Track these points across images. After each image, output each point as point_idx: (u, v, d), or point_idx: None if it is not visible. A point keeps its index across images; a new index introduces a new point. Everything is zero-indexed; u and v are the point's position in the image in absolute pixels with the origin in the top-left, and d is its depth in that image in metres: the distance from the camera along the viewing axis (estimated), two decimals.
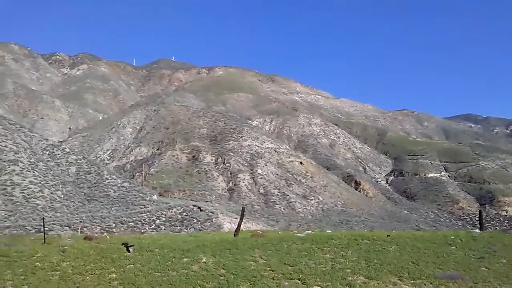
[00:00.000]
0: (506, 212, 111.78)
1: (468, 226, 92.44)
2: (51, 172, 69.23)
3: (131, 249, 19.97)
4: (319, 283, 16.67)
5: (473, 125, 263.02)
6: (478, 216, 43.03)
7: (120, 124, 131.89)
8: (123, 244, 20.76)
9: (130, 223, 57.52)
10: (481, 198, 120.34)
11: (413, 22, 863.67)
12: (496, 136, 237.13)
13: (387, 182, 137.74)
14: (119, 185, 73.16)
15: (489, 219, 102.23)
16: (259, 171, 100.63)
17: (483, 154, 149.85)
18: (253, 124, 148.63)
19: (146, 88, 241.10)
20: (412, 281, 17.43)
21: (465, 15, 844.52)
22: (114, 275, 17.01)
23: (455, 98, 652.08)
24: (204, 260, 18.91)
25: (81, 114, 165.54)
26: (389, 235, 25.57)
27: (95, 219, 57.30)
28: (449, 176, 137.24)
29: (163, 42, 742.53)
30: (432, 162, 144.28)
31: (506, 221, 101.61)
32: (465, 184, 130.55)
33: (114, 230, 53.53)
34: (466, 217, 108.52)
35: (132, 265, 18.04)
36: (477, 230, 31.08)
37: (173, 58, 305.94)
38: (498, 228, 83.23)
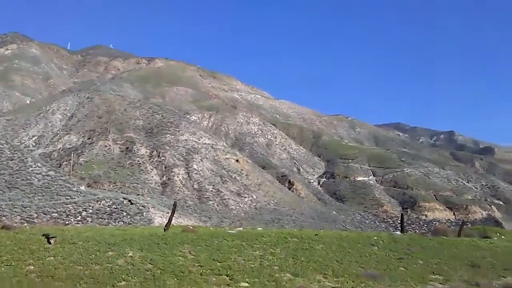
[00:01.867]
0: (426, 217, 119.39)
1: (390, 228, 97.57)
2: None
3: (52, 241, 18.95)
4: (246, 279, 16.78)
5: (401, 134, 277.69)
6: (400, 219, 45.46)
7: (49, 109, 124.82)
8: (43, 235, 19.66)
9: (53, 214, 54.65)
10: (404, 203, 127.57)
11: (356, 23, 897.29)
12: (421, 145, 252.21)
13: (319, 183, 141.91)
14: (44, 173, 69.29)
15: (410, 223, 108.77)
16: (195, 166, 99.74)
17: (409, 162, 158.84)
18: (191, 119, 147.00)
19: (80, 74, 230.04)
20: (336, 279, 18.05)
21: (400, 19, 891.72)
22: (32, 267, 16.08)
23: (386, 107, 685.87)
24: (130, 254, 18.37)
25: (6, 96, 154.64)
26: (317, 234, 26.32)
27: (15, 208, 53.89)
28: (376, 180, 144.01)
29: (100, 28, 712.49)
30: (361, 166, 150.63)
31: (425, 225, 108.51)
32: (390, 189, 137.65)
33: (35, 220, 50.63)
34: (389, 220, 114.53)
35: (52, 258, 17.14)
36: (398, 232, 32.84)
37: (111, 45, 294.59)
38: (417, 231, 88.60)
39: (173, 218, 28.32)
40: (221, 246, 21.13)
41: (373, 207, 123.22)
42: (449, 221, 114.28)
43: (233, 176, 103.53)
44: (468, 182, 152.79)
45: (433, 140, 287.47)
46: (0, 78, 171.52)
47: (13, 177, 65.75)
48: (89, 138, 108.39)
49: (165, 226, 26.00)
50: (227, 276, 16.91)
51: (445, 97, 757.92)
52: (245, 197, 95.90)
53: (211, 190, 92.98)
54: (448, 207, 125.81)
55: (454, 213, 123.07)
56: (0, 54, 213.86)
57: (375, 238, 26.94)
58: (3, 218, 47.18)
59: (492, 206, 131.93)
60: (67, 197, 61.99)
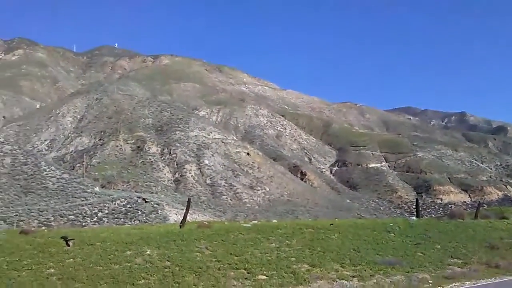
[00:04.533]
0: (441, 200, 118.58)
1: (406, 214, 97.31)
2: None
3: (70, 243, 19.19)
4: (264, 272, 16.86)
5: (411, 118, 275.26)
6: (415, 204, 45.24)
7: (59, 113, 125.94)
8: (62, 238, 19.89)
9: (70, 216, 55.30)
10: (418, 187, 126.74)
11: (358, 14, 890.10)
12: (433, 128, 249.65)
13: (331, 172, 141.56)
14: (58, 176, 70.03)
15: (425, 207, 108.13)
16: (206, 162, 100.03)
17: (421, 145, 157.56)
18: (200, 115, 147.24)
19: (87, 76, 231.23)
20: (353, 268, 18.05)
21: (404, 7, 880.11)
22: (53, 270, 16.30)
23: (395, 91, 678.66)
24: (148, 252, 18.54)
25: (16, 102, 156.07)
26: (332, 224, 26.32)
27: (32, 212, 54.60)
28: (388, 166, 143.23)
29: (105, 28, 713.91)
30: (373, 153, 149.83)
31: (440, 209, 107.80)
32: (404, 174, 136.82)
33: (53, 223, 51.28)
34: (404, 205, 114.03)
35: (71, 260, 17.36)
36: (414, 218, 32.70)
37: (116, 45, 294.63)
38: (433, 215, 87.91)
39: (188, 214, 28.49)
40: (237, 240, 21.22)
41: (387, 193, 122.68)
42: (465, 204, 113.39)
43: (245, 170, 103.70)
44: (482, 163, 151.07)
45: (444, 122, 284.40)
46: (9, 84, 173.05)
47: (28, 181, 66.56)
48: (100, 139, 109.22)
49: (181, 223, 26.19)
50: (245, 270, 17.00)
51: (456, 78, 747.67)
52: (258, 190, 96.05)
53: (224, 185, 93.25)
54: (463, 189, 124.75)
55: (469, 195, 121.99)
56: (8, 60, 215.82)
57: (391, 224, 26.87)
58: (21, 223, 47.85)
59: (507, 186, 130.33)
60: (82, 198, 62.68)
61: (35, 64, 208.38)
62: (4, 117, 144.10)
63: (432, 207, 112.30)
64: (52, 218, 53.87)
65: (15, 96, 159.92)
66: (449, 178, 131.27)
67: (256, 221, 30.33)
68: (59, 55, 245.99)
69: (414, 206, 77.49)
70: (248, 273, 16.73)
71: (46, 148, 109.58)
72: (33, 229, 30.33)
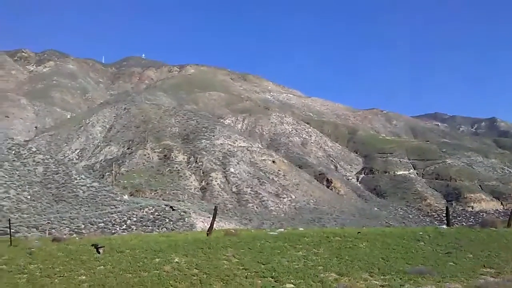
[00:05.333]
0: (472, 208, 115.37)
1: (435, 222, 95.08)
2: (17, 172, 67.18)
3: (101, 250, 19.60)
4: (292, 280, 16.79)
5: (439, 124, 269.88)
6: (445, 212, 44.23)
7: (89, 122, 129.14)
8: (92, 245, 20.35)
9: (100, 224, 56.42)
10: (448, 195, 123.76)
11: (380, 22, 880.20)
12: (462, 134, 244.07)
13: (357, 180, 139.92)
14: (88, 185, 71.63)
15: (456, 215, 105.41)
16: (232, 169, 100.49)
17: (450, 152, 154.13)
18: (226, 123, 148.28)
19: (116, 86, 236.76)
20: (382, 277, 17.77)
21: (430, 12, 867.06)
22: (84, 277, 16.66)
23: (422, 97, 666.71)
24: (176, 260, 18.75)
25: (48, 113, 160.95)
26: (359, 232, 25.98)
27: (64, 220, 55.94)
28: (417, 173, 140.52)
29: (132, 39, 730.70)
30: (401, 160, 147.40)
31: (472, 217, 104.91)
32: (433, 181, 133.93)
33: (83, 231, 52.39)
34: (434, 214, 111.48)
35: (102, 267, 17.72)
36: (444, 226, 31.96)
37: (143, 55, 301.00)
38: (464, 223, 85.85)
39: (215, 222, 28.66)
40: (264, 248, 21.21)
41: (416, 201, 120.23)
42: (497, 212, 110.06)
43: (270, 177, 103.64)
44: None
45: (474, 128, 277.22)
46: (41, 95, 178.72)
47: (60, 190, 68.30)
48: (128, 148, 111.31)
49: (208, 231, 26.36)
50: (272, 278, 16.97)
51: (484, 83, 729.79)
52: (284, 198, 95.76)
53: (250, 193, 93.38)
54: (495, 197, 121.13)
55: (501, 203, 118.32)
56: (39, 72, 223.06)
57: (421, 233, 26.33)
58: (53, 230, 49.06)
59: None
60: (112, 206, 63.88)
61: (66, 75, 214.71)
62: (36, 127, 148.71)
63: (463, 215, 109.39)
64: (83, 225, 55.06)
65: (47, 107, 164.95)
66: (480, 186, 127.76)
67: (282, 229, 30.22)
68: (88, 66, 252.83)
69: (444, 214, 75.75)
70: (275, 281, 16.69)
71: (77, 157, 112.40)
72: (64, 236, 31.09)
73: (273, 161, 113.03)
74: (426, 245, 23.26)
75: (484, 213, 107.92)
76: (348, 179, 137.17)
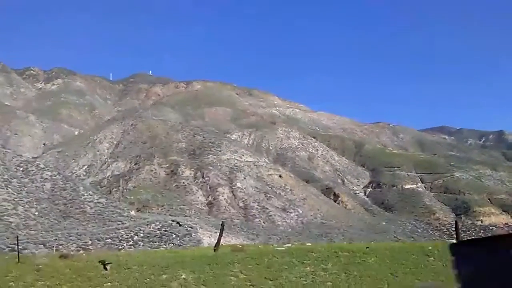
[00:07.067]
0: (481, 222, 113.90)
1: (444, 237, 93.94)
2: (25, 188, 67.40)
3: (108, 267, 19.56)
4: None
5: (447, 137, 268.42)
6: (454, 226, 43.79)
7: (96, 139, 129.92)
8: (100, 261, 20.32)
9: (107, 240, 56.32)
10: (457, 209, 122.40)
11: (388, 33, 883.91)
12: (470, 147, 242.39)
13: (365, 194, 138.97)
14: (95, 201, 71.66)
15: (465, 229, 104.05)
16: (238, 184, 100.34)
17: (458, 165, 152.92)
18: (232, 138, 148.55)
19: (123, 103, 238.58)
20: None
21: (435, 26, 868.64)
22: None
23: (429, 110, 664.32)
24: (183, 276, 18.67)
25: (56, 129, 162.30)
26: (368, 247, 25.75)
27: (71, 236, 55.91)
28: (425, 187, 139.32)
29: (139, 56, 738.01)
30: (408, 173, 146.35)
31: (481, 231, 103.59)
32: (441, 195, 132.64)
33: (90, 247, 52.33)
34: (443, 228, 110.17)
35: (109, 283, 17.69)
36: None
37: (150, 72, 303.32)
38: (474, 238, 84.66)
39: (221, 237, 28.53)
40: (271, 263, 21.08)
41: (424, 215, 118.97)
42: (507, 225, 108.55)
43: (277, 192, 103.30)
44: None
45: (482, 141, 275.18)
46: (49, 112, 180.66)
47: (67, 206, 68.40)
48: (135, 164, 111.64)
49: (215, 247, 26.23)
50: None
51: (491, 95, 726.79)
52: (291, 212, 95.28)
53: (257, 208, 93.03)
54: (505, 210, 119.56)
55: (511, 217, 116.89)
56: (48, 90, 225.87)
57: (430, 248, 26.03)
58: (60, 246, 49.03)
59: None
60: (119, 222, 63.83)
61: (74, 92, 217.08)
62: (44, 144, 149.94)
63: (472, 229, 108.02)
64: (90, 241, 54.98)
65: (55, 124, 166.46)
66: (489, 199, 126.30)
67: (290, 244, 30.01)
68: (96, 83, 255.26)
69: (453, 229, 74.95)
70: None
71: (84, 173, 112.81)
72: (72, 253, 31.10)
73: (280, 176, 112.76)
74: (436, 260, 22.99)
75: (493, 227, 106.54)
76: (356, 193, 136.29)
